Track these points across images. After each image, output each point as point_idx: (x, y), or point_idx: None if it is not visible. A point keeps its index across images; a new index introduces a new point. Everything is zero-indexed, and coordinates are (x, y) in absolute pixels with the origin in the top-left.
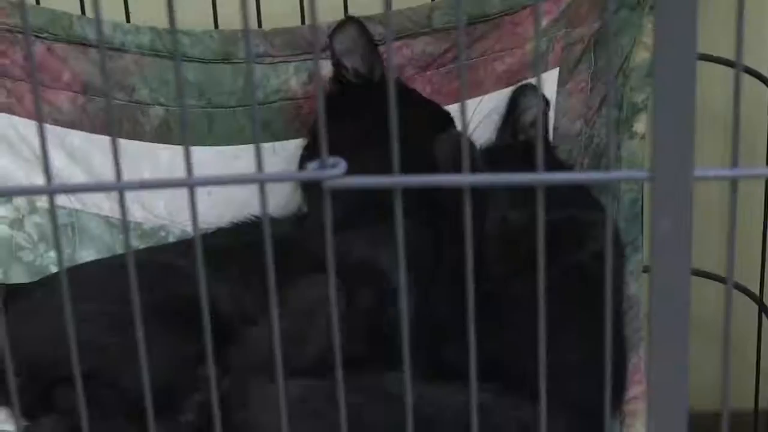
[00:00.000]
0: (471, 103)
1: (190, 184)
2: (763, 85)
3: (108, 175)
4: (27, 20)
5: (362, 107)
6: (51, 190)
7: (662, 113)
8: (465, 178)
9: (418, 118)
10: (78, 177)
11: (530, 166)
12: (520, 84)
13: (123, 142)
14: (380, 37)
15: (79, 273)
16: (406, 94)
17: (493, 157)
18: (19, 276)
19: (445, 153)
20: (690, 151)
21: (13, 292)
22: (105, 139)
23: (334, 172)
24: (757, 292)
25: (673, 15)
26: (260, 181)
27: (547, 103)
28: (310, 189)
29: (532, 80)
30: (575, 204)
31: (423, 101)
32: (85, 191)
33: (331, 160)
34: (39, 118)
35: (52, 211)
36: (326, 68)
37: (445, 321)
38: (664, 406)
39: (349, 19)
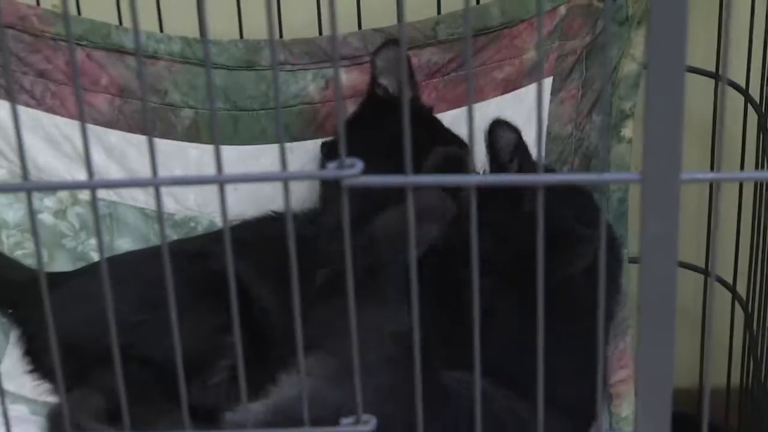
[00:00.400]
0: (474, 108)
1: (220, 180)
2: (734, 92)
3: (142, 170)
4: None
5: (384, 121)
6: (93, 185)
7: (653, 121)
8: (471, 179)
9: (433, 141)
10: (114, 172)
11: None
12: (492, 121)
13: (156, 141)
14: None
15: (114, 261)
16: (429, 120)
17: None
18: (62, 260)
19: (435, 164)
20: (678, 156)
21: (55, 279)
22: (139, 138)
23: (352, 172)
24: (731, 281)
25: (665, 31)
26: (284, 179)
27: (518, 133)
28: (328, 187)
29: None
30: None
31: (442, 128)
32: (124, 186)
33: (349, 160)
34: (81, 119)
35: (94, 204)
36: (344, 76)
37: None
38: (651, 388)
39: (393, 42)
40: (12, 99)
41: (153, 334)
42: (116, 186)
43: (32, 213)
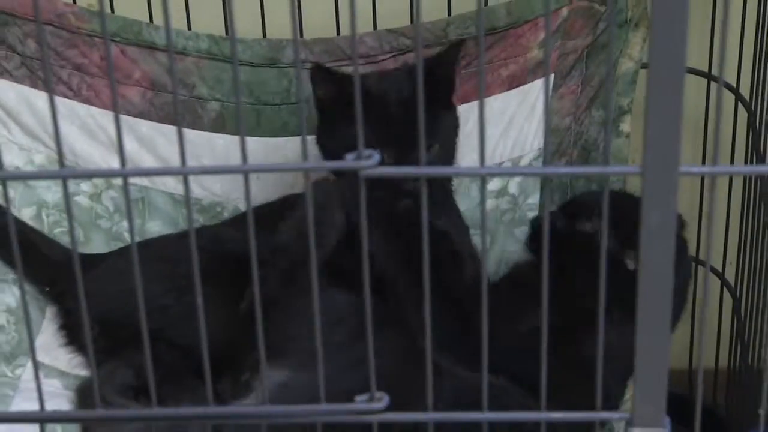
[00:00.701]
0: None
1: (245, 170)
2: (725, 90)
3: (171, 157)
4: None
5: None
6: (125, 173)
7: (653, 118)
8: (482, 170)
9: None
10: (146, 159)
11: None
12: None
13: (185, 131)
14: (405, 47)
15: (148, 244)
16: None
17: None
18: (98, 240)
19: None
20: (677, 150)
21: (91, 259)
22: (169, 128)
23: (370, 163)
24: (720, 269)
25: (666, 35)
26: (306, 169)
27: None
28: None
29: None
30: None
31: None
32: (155, 175)
33: (367, 152)
34: (115, 110)
35: (126, 191)
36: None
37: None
38: (648, 372)
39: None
40: (49, 90)
41: (182, 317)
42: (147, 174)
43: (67, 198)
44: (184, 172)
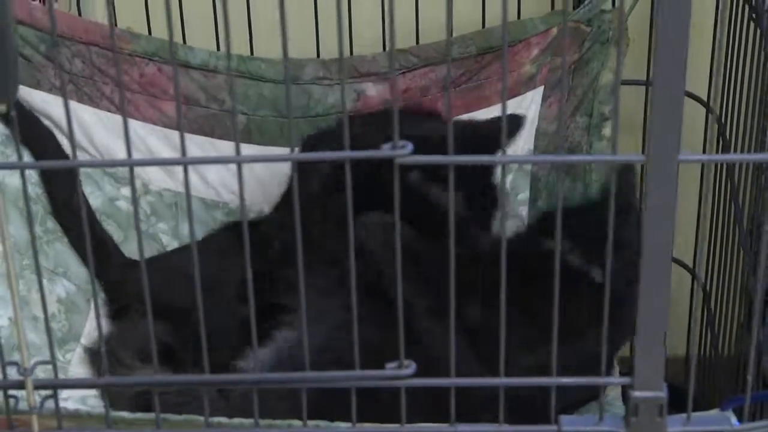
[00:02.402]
0: (481, 113)
1: (238, 161)
2: (695, 103)
3: (202, 166)
4: (173, 53)
5: None
6: (130, 163)
7: (656, 110)
8: (503, 158)
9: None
10: (179, 168)
11: None
12: None
13: (216, 142)
14: (412, 64)
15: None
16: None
17: None
18: (135, 240)
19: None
20: (677, 140)
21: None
22: (201, 138)
23: (404, 152)
24: (690, 264)
25: (670, 43)
26: (346, 158)
27: None
28: None
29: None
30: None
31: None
32: (156, 165)
33: (401, 142)
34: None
35: (132, 179)
36: (373, 90)
37: None
38: (650, 335)
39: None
40: (63, 94)
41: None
42: (149, 164)
43: (80, 190)
44: (183, 162)
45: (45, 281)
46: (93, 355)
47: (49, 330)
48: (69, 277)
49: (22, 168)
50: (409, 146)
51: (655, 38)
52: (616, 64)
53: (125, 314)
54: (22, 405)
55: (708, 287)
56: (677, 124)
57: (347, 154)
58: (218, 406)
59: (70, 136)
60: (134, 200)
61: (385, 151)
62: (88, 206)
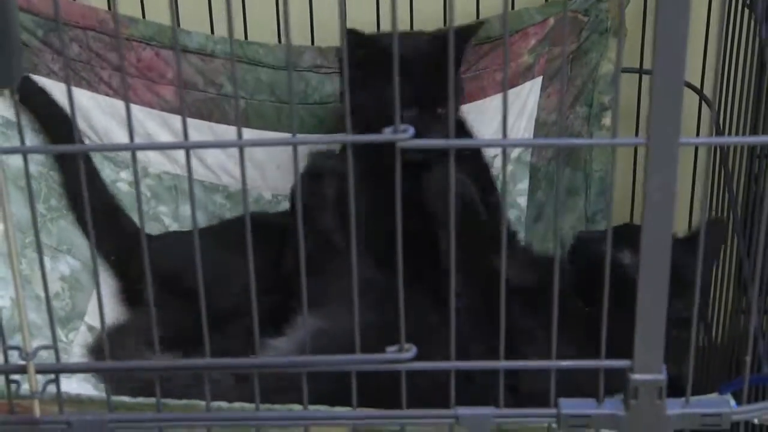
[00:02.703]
0: (478, 103)
1: (240, 144)
2: (689, 90)
3: (200, 150)
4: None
5: None
6: (133, 147)
7: (658, 95)
8: (504, 141)
9: None
10: (179, 151)
11: None
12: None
13: (214, 126)
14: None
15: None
16: None
17: None
18: (137, 221)
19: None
20: (678, 124)
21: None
22: (199, 122)
23: (406, 135)
24: None
25: (670, 28)
26: (348, 141)
27: None
28: None
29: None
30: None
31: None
32: (158, 149)
33: (402, 126)
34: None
35: (134, 163)
36: None
37: None
38: (649, 320)
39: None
40: (66, 81)
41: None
42: (153, 148)
43: (82, 176)
44: (185, 146)
45: (48, 259)
46: (94, 347)
47: (51, 313)
48: (74, 254)
49: (24, 152)
50: (411, 130)
51: (655, 26)
52: (615, 54)
53: (138, 298)
54: (23, 390)
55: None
56: (677, 108)
57: (349, 137)
58: (236, 393)
59: (73, 121)
60: (137, 183)
61: (386, 134)
62: (102, 181)
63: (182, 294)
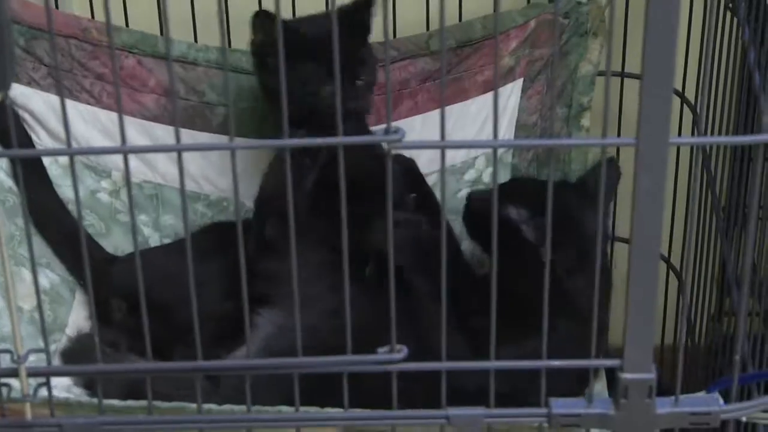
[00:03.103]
0: (460, 105)
1: (232, 147)
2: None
3: (184, 156)
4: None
5: None
6: (125, 150)
7: (647, 95)
8: (494, 142)
9: None
10: (159, 158)
11: None
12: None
13: (196, 134)
14: (391, 57)
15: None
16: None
17: None
18: (117, 233)
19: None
20: (667, 124)
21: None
22: (181, 131)
23: (397, 137)
24: (666, 253)
25: (659, 30)
26: (340, 143)
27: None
28: None
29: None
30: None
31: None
32: (148, 152)
33: (394, 127)
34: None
35: (126, 165)
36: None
37: None
38: (639, 319)
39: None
40: (60, 93)
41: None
42: (142, 152)
43: (74, 176)
44: (177, 149)
45: (27, 272)
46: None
47: (42, 317)
48: (52, 268)
49: (15, 157)
50: (402, 132)
51: (645, 25)
52: (595, 55)
53: (106, 312)
54: (14, 393)
55: (683, 276)
56: (666, 108)
57: (341, 139)
58: (208, 395)
59: (65, 124)
60: (128, 184)
61: (378, 136)
62: (62, 203)
63: (152, 309)
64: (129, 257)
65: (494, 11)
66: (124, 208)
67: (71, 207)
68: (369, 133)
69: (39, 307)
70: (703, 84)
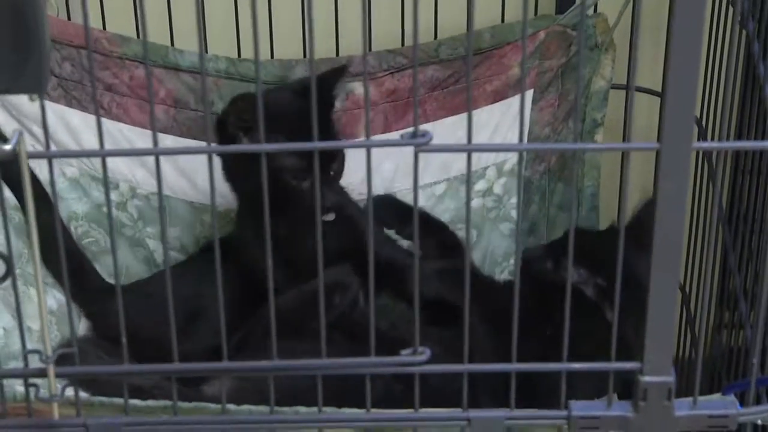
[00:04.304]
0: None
1: (209, 151)
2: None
3: (190, 169)
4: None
5: None
6: (103, 153)
7: (670, 100)
8: (521, 146)
9: None
10: (167, 170)
11: None
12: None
13: (204, 145)
14: (400, 65)
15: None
16: None
17: None
18: (122, 247)
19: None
20: (690, 128)
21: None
22: (190, 142)
23: (424, 140)
24: None
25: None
26: (367, 146)
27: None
28: None
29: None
30: None
31: None
32: (128, 155)
33: (421, 131)
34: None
35: (104, 171)
36: (360, 88)
37: None
38: (660, 322)
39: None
40: (96, 112)
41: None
42: (122, 155)
43: (53, 182)
44: (155, 153)
45: (34, 291)
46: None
47: (70, 312)
48: (59, 288)
49: (50, 157)
50: (429, 135)
51: (669, 29)
52: (607, 71)
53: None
54: (42, 393)
55: (688, 289)
56: (690, 112)
57: (315, 144)
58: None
59: (98, 127)
60: (106, 190)
61: (406, 140)
62: (64, 227)
63: (150, 342)
64: (128, 287)
65: (522, 16)
66: (130, 220)
67: (74, 223)
68: (345, 192)
69: (67, 301)
70: (710, 96)
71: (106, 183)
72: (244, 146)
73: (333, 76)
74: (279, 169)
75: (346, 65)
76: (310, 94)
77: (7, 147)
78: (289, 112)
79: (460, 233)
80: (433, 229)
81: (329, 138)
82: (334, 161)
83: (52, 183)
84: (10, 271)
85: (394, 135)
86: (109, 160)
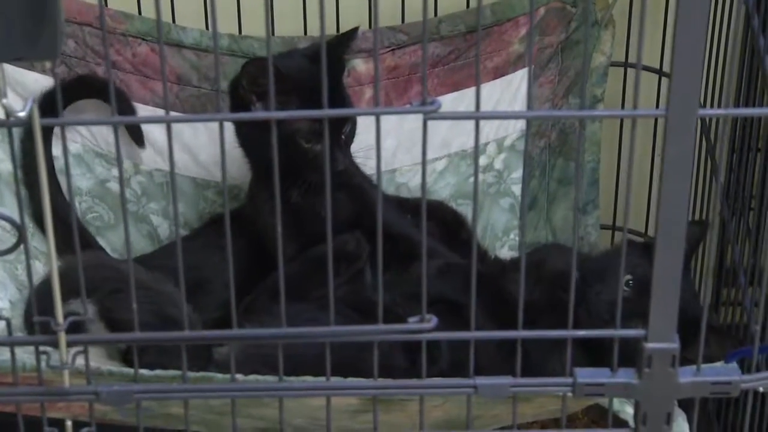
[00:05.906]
0: (470, 91)
1: (219, 119)
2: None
3: (195, 145)
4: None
5: None
6: (115, 121)
7: (678, 67)
8: (528, 113)
9: None
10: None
11: None
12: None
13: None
14: (401, 42)
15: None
16: None
17: None
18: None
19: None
20: (696, 95)
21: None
22: (194, 118)
23: (433, 108)
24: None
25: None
26: (377, 114)
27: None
28: None
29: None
30: None
31: None
32: (141, 123)
33: (430, 99)
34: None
35: (117, 141)
36: (362, 65)
37: None
38: (664, 290)
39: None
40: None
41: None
42: (134, 122)
43: (65, 148)
44: (167, 120)
45: (39, 265)
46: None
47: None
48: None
49: (62, 124)
50: (438, 102)
51: (677, 5)
52: (608, 47)
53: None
54: (53, 361)
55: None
56: (696, 80)
57: (326, 112)
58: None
59: (110, 94)
60: (119, 156)
61: (415, 107)
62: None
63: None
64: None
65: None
66: (134, 197)
67: (78, 199)
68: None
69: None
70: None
71: (118, 150)
72: (254, 113)
73: (344, 40)
74: (292, 132)
75: (357, 28)
76: (320, 60)
77: (22, 114)
78: (302, 77)
79: (460, 208)
80: (429, 208)
81: (341, 102)
82: (345, 124)
83: (65, 149)
84: (22, 239)
85: None
86: (112, 136)
